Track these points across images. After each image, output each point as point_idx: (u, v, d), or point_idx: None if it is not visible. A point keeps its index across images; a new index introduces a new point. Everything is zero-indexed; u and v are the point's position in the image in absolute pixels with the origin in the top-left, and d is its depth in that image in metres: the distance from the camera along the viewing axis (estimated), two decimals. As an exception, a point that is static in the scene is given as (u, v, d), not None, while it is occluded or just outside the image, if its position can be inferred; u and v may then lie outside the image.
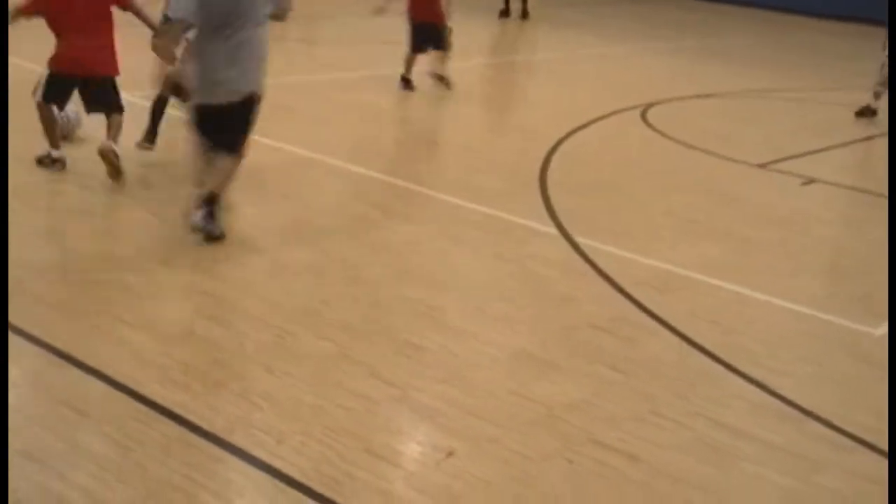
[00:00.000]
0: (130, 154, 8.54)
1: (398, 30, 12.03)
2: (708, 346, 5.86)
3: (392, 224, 7.56)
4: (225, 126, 6.85)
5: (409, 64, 12.10)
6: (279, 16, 7.04)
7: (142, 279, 6.17)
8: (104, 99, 7.91)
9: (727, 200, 8.85)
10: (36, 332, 5.30)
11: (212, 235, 6.77)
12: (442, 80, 12.11)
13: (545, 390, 5.20)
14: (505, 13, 18.77)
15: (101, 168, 7.79)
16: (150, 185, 8.14)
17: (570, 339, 5.88)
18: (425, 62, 11.98)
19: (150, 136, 8.70)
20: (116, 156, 7.74)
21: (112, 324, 5.52)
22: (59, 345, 5.20)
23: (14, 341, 5.24)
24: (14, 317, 5.40)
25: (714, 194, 9.02)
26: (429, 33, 11.96)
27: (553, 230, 7.59)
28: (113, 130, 7.83)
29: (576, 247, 7.26)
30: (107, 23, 7.85)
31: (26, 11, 7.69)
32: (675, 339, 5.96)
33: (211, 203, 6.75)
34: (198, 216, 6.73)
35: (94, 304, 5.78)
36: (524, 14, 18.68)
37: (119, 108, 7.91)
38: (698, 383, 5.48)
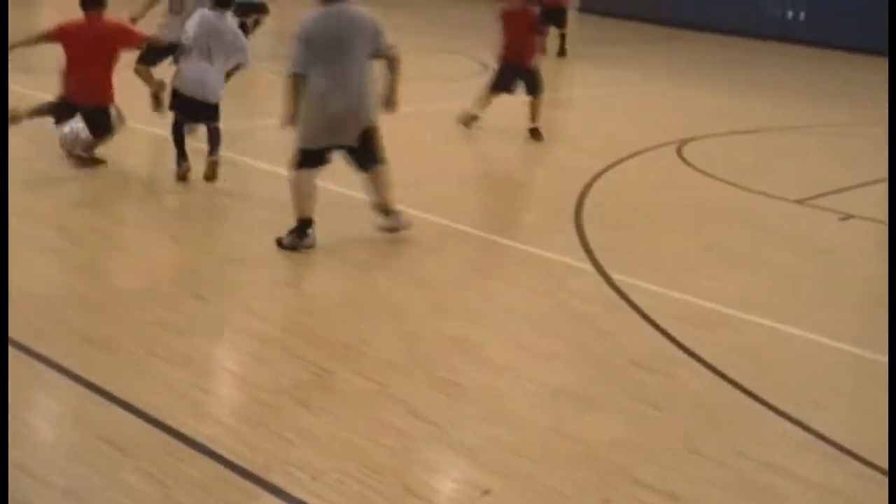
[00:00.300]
0: (164, 190, 8.65)
1: (458, 69, 11.91)
2: (746, 382, 5.80)
3: (429, 259, 7.57)
4: (359, 159, 7.51)
5: (484, 102, 11.71)
6: (390, 67, 7.48)
7: (178, 315, 6.21)
8: (97, 124, 8.89)
9: (764, 236, 8.79)
10: (77, 369, 5.35)
11: (399, 228, 7.71)
12: (536, 134, 11.60)
13: (584, 427, 5.17)
14: (541, 49, 18.79)
15: (133, 206, 8.05)
16: (184, 219, 8.21)
17: (609, 375, 5.85)
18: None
19: (183, 163, 8.73)
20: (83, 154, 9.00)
21: (150, 360, 5.55)
22: (98, 381, 5.23)
23: (55, 377, 5.30)
24: (57, 353, 5.47)
25: (751, 230, 8.96)
26: (519, 77, 11.58)
27: (589, 266, 7.55)
28: (93, 144, 8.96)
29: (611, 282, 7.23)
30: (108, 60, 8.88)
31: (49, 37, 8.92)
32: (714, 376, 5.90)
33: (388, 211, 7.66)
34: (382, 220, 7.68)
35: (132, 340, 5.81)
36: (562, 51, 18.69)
37: (110, 132, 8.97)
38: (737, 420, 5.43)
